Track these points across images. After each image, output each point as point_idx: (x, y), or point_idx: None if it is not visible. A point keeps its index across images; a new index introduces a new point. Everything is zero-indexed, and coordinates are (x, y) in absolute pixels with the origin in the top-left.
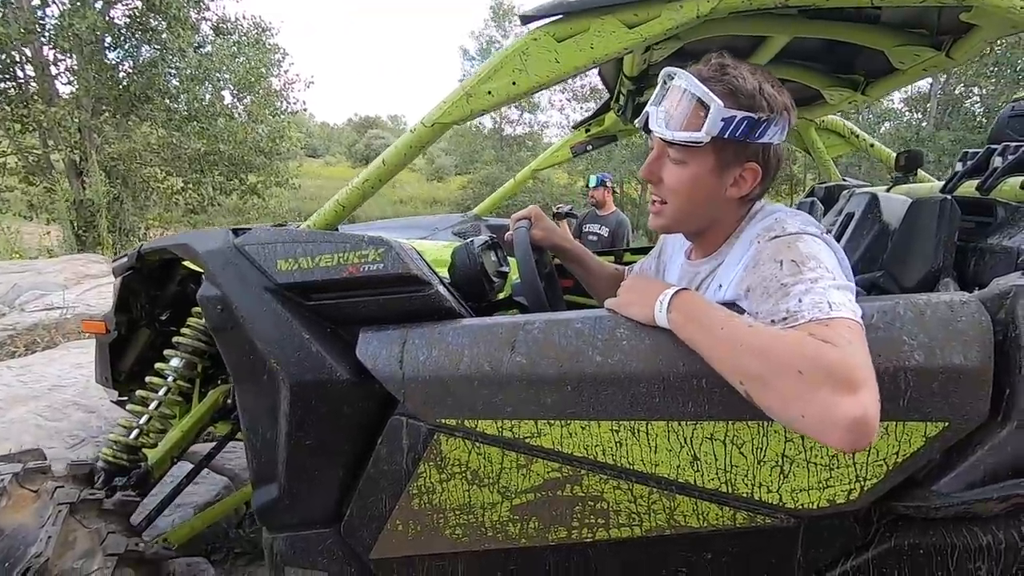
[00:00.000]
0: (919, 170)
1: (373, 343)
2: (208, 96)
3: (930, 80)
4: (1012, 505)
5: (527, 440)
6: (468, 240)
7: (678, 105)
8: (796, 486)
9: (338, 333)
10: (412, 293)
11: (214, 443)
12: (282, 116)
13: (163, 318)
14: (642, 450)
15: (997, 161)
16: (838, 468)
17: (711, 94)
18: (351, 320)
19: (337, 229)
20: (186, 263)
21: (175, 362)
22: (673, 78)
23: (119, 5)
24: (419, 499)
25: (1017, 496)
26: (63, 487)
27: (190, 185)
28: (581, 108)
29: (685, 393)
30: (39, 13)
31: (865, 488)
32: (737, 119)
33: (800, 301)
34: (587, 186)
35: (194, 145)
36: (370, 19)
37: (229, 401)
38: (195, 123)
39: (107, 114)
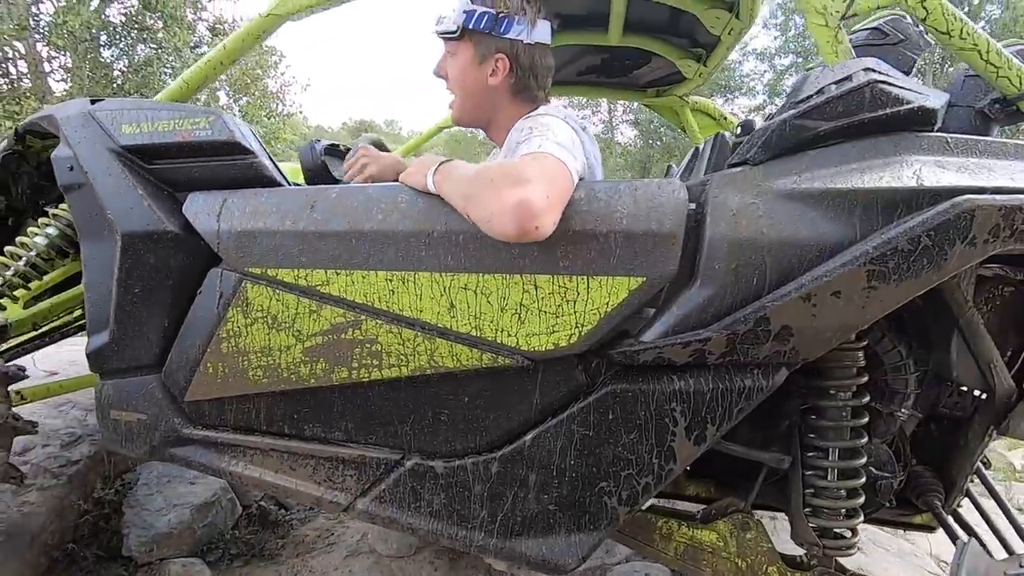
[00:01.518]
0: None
1: (198, 201)
2: (204, 96)
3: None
4: (694, 351)
5: (318, 288)
6: (315, 139)
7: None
8: (530, 331)
9: (173, 196)
10: (236, 160)
11: None
12: (276, 118)
13: (48, 210)
14: (410, 298)
15: None
16: (562, 316)
17: None
18: (186, 185)
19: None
20: None
21: (49, 230)
22: None
23: (115, 3)
24: (227, 343)
25: (696, 343)
26: None
27: None
28: (580, 117)
29: (445, 248)
30: (33, 9)
31: (583, 333)
32: (478, 13)
33: (528, 145)
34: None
35: None
36: (370, 24)
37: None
38: None
39: None
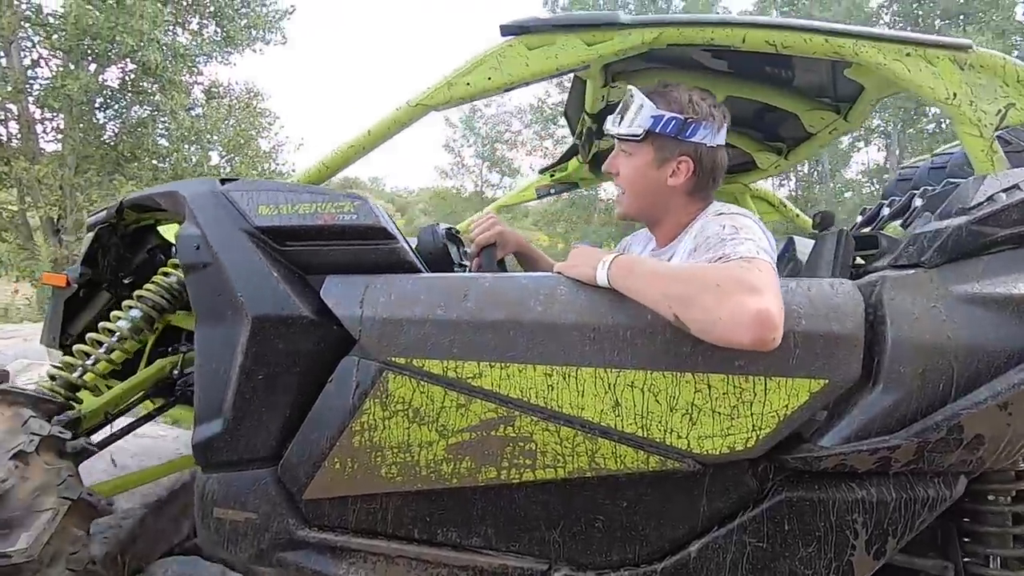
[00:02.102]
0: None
1: (338, 285)
2: (196, 157)
3: (886, 154)
4: (880, 459)
5: (469, 380)
6: (434, 223)
7: (626, 109)
8: (702, 433)
9: (304, 279)
10: (379, 245)
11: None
12: (273, 177)
13: (126, 282)
14: (571, 394)
15: (884, 211)
16: (738, 417)
17: (646, 98)
18: (320, 268)
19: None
20: (161, 230)
21: (134, 312)
22: (630, 94)
23: (113, 67)
24: (360, 436)
25: (883, 450)
26: (36, 416)
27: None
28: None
29: (611, 343)
30: (29, 72)
31: (760, 436)
32: (666, 118)
33: (735, 248)
34: None
35: None
36: (356, 86)
37: (175, 372)
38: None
39: (91, 172)
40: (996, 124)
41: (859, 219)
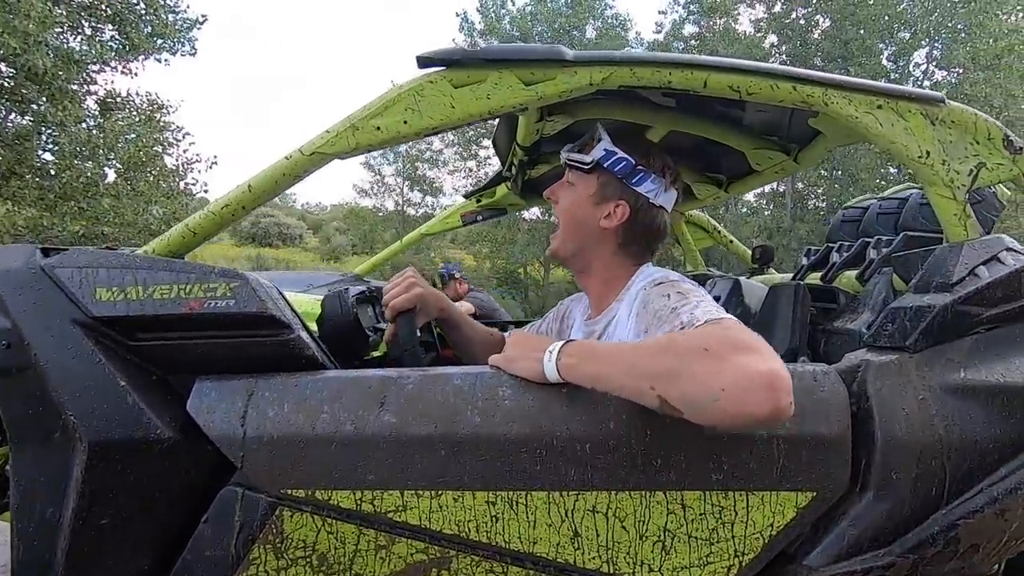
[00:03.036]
0: (769, 266)
1: (211, 394)
2: (88, 174)
3: (785, 181)
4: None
5: (390, 515)
6: (342, 289)
7: (586, 138)
8: (678, 563)
9: (166, 381)
10: (267, 337)
11: None
12: (181, 197)
13: None
14: (520, 525)
15: (835, 257)
16: (718, 543)
17: (606, 133)
18: (185, 367)
19: (183, 259)
20: None
21: None
22: (596, 126)
23: None
24: None
25: (877, 568)
26: None
27: None
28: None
29: (568, 459)
30: None
31: (744, 563)
32: (617, 155)
33: (693, 313)
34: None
35: (71, 227)
36: (278, 102)
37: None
38: (72, 202)
39: None
40: (968, 185)
41: (804, 260)
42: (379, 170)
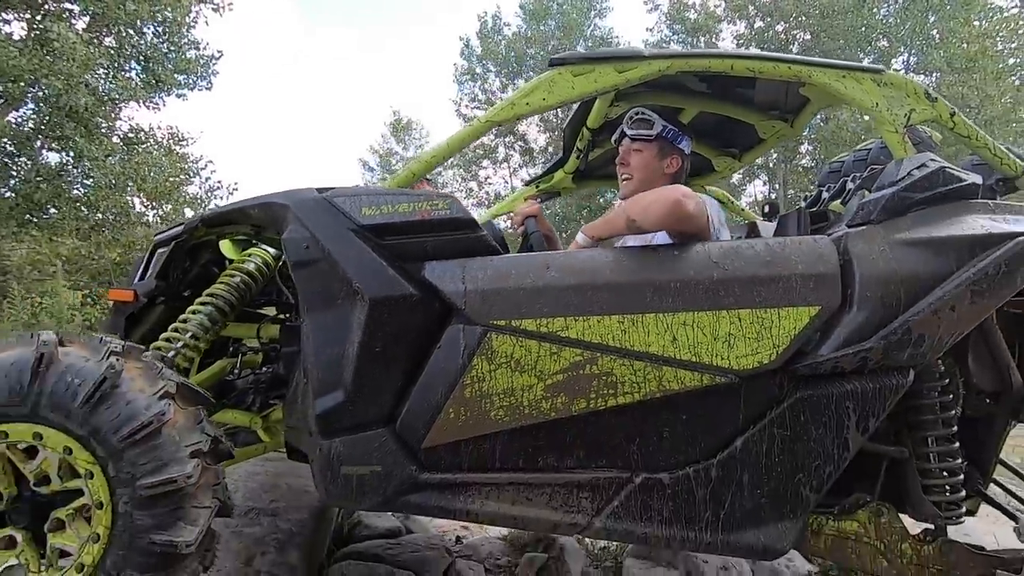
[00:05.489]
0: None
1: (439, 269)
2: (121, 205)
3: (769, 187)
4: (860, 359)
5: (558, 332)
6: (489, 219)
7: (641, 122)
8: (738, 354)
9: (404, 267)
10: (468, 234)
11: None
12: None
13: (185, 295)
14: (639, 335)
15: (824, 194)
16: (762, 340)
17: (656, 115)
18: (414, 256)
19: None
20: (223, 244)
21: (208, 309)
22: (638, 111)
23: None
24: (471, 388)
25: (863, 352)
26: (206, 420)
27: (89, 300)
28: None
29: (666, 293)
30: None
31: (779, 351)
32: (668, 127)
33: None
34: None
35: (108, 255)
36: (285, 129)
37: (232, 374)
38: (106, 232)
39: None
40: (904, 123)
41: (803, 204)
42: None
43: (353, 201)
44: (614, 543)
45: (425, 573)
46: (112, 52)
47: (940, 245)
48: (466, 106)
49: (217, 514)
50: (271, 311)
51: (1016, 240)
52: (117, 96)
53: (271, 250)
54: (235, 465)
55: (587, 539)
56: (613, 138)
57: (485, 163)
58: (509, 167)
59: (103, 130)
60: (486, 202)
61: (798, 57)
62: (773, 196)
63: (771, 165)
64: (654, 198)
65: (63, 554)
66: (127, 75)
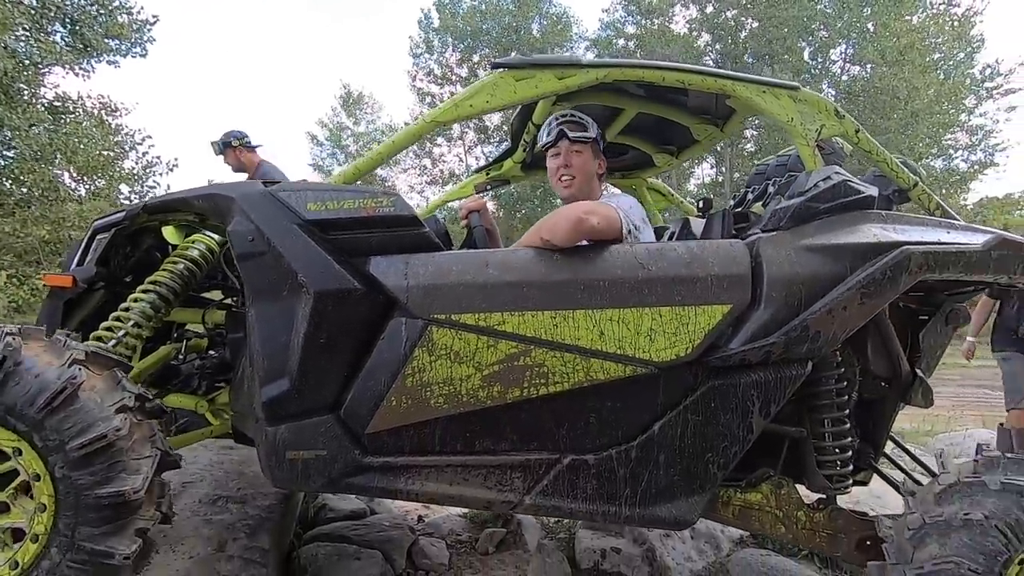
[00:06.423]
0: (710, 212)
1: (383, 264)
2: (48, 179)
3: (717, 170)
4: (764, 353)
5: (495, 327)
6: (432, 215)
7: (582, 125)
8: (658, 347)
9: (348, 262)
10: (411, 230)
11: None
12: (140, 197)
13: (127, 280)
14: (570, 329)
15: (749, 195)
16: (679, 335)
17: (591, 120)
18: (360, 251)
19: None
20: (166, 230)
21: (149, 297)
22: (569, 114)
23: None
24: (412, 377)
25: (767, 346)
26: (124, 380)
27: (14, 280)
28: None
29: (595, 291)
30: None
31: (694, 346)
32: (599, 131)
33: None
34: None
35: (36, 233)
36: (225, 105)
37: (177, 359)
38: (33, 208)
39: None
40: (815, 137)
41: (731, 203)
42: (328, 172)
43: (299, 196)
44: None
45: (391, 551)
46: (34, 12)
47: (837, 251)
48: (420, 79)
49: (165, 467)
50: (216, 295)
51: (900, 249)
52: (39, 60)
53: (215, 236)
54: (199, 454)
55: None
56: (544, 142)
57: (440, 140)
58: (464, 144)
59: (25, 97)
60: (439, 180)
61: (722, 71)
62: (720, 179)
63: (718, 149)
64: (559, 218)
65: (17, 533)
66: (51, 38)
